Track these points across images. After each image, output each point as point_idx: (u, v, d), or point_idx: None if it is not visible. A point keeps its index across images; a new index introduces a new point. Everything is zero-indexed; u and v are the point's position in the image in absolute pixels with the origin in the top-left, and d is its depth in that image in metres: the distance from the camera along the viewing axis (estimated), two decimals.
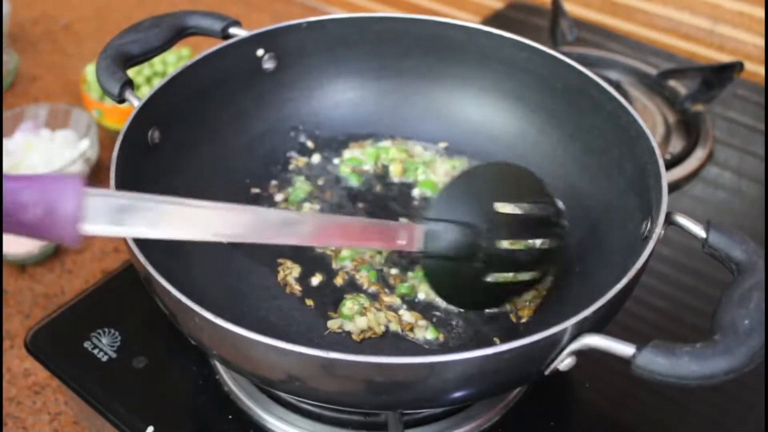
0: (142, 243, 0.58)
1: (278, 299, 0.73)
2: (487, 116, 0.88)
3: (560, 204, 0.70)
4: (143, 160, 0.70)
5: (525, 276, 0.67)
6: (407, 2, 1.48)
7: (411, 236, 0.64)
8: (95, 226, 0.47)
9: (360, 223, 0.64)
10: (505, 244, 0.65)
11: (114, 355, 0.74)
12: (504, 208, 0.66)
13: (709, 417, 0.72)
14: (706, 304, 0.82)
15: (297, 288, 0.74)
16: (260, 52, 0.82)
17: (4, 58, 1.27)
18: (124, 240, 0.58)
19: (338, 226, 0.62)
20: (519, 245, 0.65)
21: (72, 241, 0.46)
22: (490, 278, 0.66)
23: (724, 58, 1.22)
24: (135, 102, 0.70)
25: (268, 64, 0.84)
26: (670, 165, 1.00)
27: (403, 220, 0.79)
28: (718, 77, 1.05)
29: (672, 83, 1.12)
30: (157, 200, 0.51)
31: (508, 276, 0.66)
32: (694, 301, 0.84)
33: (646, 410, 0.72)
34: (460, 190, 0.68)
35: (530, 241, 0.66)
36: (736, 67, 1.04)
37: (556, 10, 1.18)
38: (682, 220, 0.62)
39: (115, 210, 0.48)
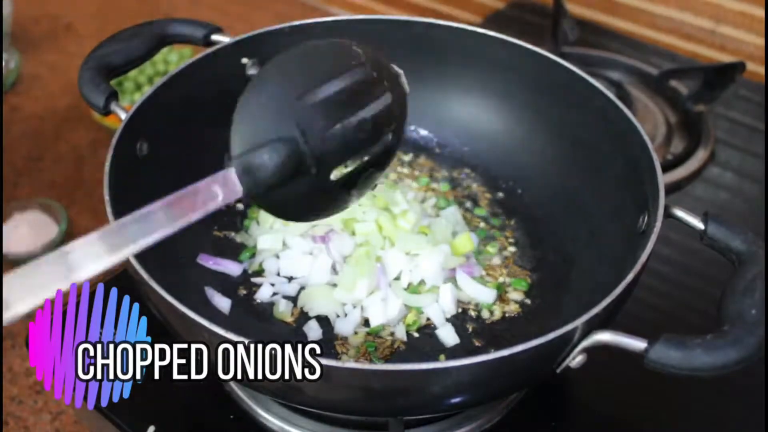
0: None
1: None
2: (474, 115, 0.89)
3: (376, 55, 0.59)
4: (134, 172, 0.69)
5: (374, 150, 0.58)
6: (408, 2, 1.48)
7: (226, 186, 0.53)
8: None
9: (161, 204, 0.52)
10: (332, 132, 0.54)
11: None
12: (312, 96, 0.54)
13: (709, 416, 0.72)
14: (701, 295, 0.83)
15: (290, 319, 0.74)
16: (245, 60, 0.81)
17: (6, 57, 1.27)
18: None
19: (139, 220, 0.50)
20: (348, 125, 0.55)
21: None
22: (334, 176, 0.56)
23: (726, 58, 1.22)
24: (122, 114, 0.69)
25: (252, 70, 0.82)
26: (672, 165, 1.00)
27: None
28: (719, 77, 1.05)
29: (673, 83, 1.12)
30: None
31: (354, 164, 0.57)
32: (687, 293, 0.84)
33: (646, 410, 0.72)
34: (255, 103, 0.55)
35: (358, 114, 0.56)
36: (737, 68, 1.04)
37: (558, 10, 1.18)
38: (680, 213, 0.63)
39: None
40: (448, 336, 0.71)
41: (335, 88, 0.55)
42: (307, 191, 0.56)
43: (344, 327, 0.71)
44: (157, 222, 0.50)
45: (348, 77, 0.56)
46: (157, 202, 0.51)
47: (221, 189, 0.53)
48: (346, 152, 0.56)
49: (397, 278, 0.75)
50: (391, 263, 0.75)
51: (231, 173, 0.54)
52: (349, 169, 0.57)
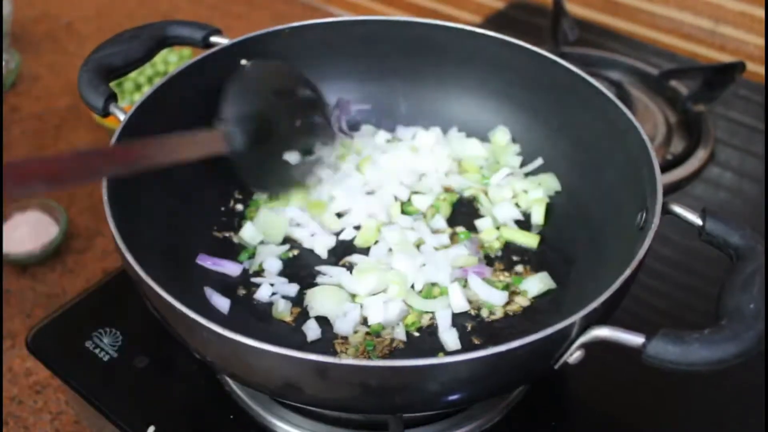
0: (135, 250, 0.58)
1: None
2: (474, 115, 0.89)
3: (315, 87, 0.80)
4: (134, 174, 0.70)
5: (310, 147, 0.78)
6: (408, 2, 1.48)
7: (217, 140, 0.69)
8: None
9: (172, 139, 0.65)
10: (294, 122, 0.76)
11: (115, 355, 0.74)
12: (284, 98, 0.76)
13: (709, 416, 0.72)
14: (699, 291, 0.83)
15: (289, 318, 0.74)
16: (243, 61, 0.81)
17: (6, 57, 1.27)
18: (117, 245, 0.59)
19: (153, 145, 0.64)
20: (302, 121, 0.77)
21: None
22: (289, 156, 0.76)
23: (726, 58, 1.22)
24: (120, 116, 0.70)
25: None
26: (672, 165, 1.00)
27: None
28: (719, 77, 1.05)
29: (673, 83, 1.12)
30: None
31: (301, 151, 0.77)
32: (686, 290, 0.84)
33: (646, 409, 0.72)
34: (241, 91, 0.73)
35: (309, 118, 0.78)
36: (737, 68, 1.04)
37: (558, 10, 1.18)
38: (679, 209, 0.63)
39: None
40: (450, 341, 0.71)
41: (294, 99, 0.78)
42: (266, 163, 0.74)
43: (344, 326, 0.71)
44: (165, 149, 0.64)
45: (302, 96, 0.79)
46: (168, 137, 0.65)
47: (211, 141, 0.69)
48: (296, 142, 0.76)
49: (412, 286, 0.75)
50: (404, 262, 0.75)
51: (222, 132, 0.70)
52: (296, 156, 0.76)
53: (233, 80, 0.72)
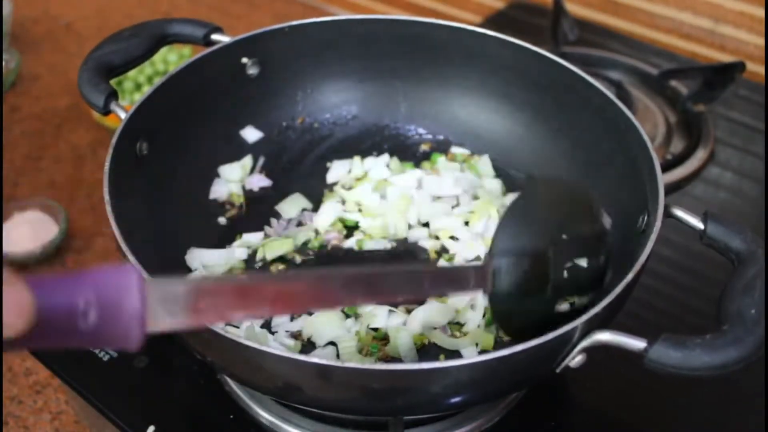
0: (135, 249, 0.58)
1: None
2: (473, 115, 0.89)
3: (607, 219, 0.64)
4: (134, 172, 0.70)
5: (585, 298, 0.61)
6: (408, 2, 1.48)
7: (482, 278, 0.56)
8: (161, 322, 0.40)
9: (422, 271, 0.56)
10: (574, 267, 0.59)
11: (115, 355, 0.74)
12: (568, 231, 0.59)
13: (708, 417, 0.72)
14: (701, 295, 0.83)
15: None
16: (244, 59, 0.82)
17: (6, 57, 1.27)
18: (118, 245, 0.59)
19: (402, 276, 0.53)
20: (583, 265, 0.60)
21: (133, 343, 0.39)
22: (560, 306, 0.59)
23: (726, 58, 1.22)
24: (121, 114, 0.69)
25: (252, 70, 0.83)
26: (671, 165, 1.00)
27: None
28: (719, 77, 1.05)
29: (673, 83, 1.12)
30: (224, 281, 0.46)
31: (574, 299, 0.60)
32: (687, 294, 0.84)
33: (646, 410, 0.72)
34: (519, 220, 0.59)
35: (592, 260, 0.60)
36: (737, 68, 1.04)
37: (558, 10, 1.18)
38: (680, 212, 0.63)
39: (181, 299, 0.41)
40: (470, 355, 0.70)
41: (584, 232, 0.60)
42: (531, 311, 0.59)
43: (350, 344, 0.69)
44: (417, 283, 0.54)
45: (593, 227, 0.61)
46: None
47: (476, 277, 0.56)
48: (574, 290, 0.60)
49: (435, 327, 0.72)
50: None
51: (490, 268, 0.56)
52: (568, 305, 0.60)
53: (513, 203, 0.60)
